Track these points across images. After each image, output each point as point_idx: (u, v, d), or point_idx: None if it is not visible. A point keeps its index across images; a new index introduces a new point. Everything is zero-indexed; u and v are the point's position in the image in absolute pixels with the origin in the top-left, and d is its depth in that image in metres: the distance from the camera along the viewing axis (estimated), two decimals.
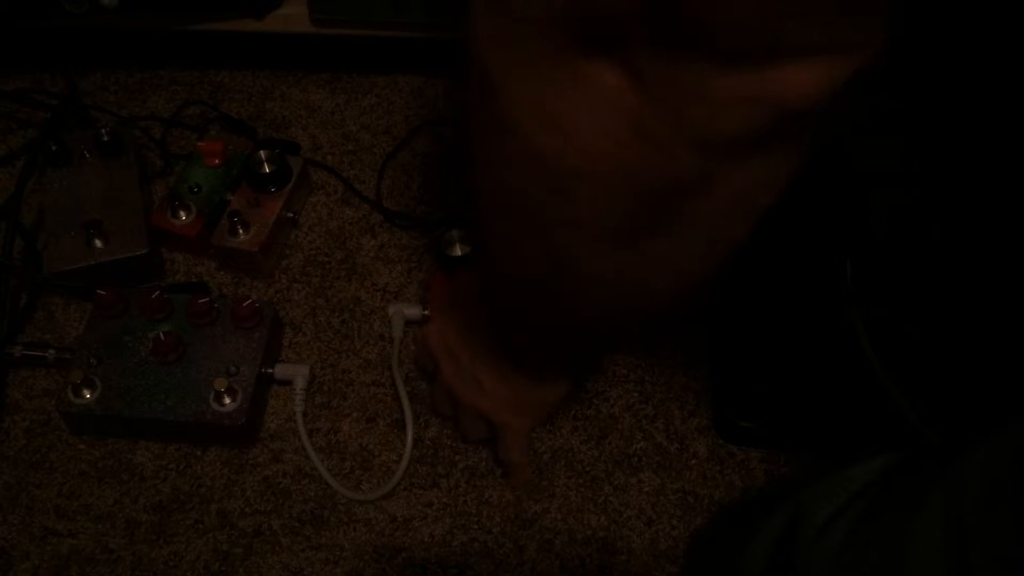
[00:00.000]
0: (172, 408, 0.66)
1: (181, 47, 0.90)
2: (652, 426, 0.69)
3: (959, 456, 0.40)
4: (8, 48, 0.89)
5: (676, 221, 0.39)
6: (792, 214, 0.72)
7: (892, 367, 0.65)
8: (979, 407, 0.62)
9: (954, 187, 0.66)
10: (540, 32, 0.34)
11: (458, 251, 0.73)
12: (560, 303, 0.49)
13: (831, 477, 0.46)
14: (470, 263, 0.72)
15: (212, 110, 0.86)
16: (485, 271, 0.57)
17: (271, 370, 0.69)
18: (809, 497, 0.45)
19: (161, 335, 0.67)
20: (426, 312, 0.72)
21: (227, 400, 0.66)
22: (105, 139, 0.77)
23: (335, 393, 0.71)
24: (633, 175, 0.36)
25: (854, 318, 0.67)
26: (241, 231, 0.74)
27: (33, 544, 0.64)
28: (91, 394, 0.66)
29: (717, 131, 0.33)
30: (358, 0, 0.79)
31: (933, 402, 0.64)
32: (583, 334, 0.56)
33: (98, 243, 0.73)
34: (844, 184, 0.73)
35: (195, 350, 0.68)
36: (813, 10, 0.29)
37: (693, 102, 0.32)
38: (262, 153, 0.77)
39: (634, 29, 0.31)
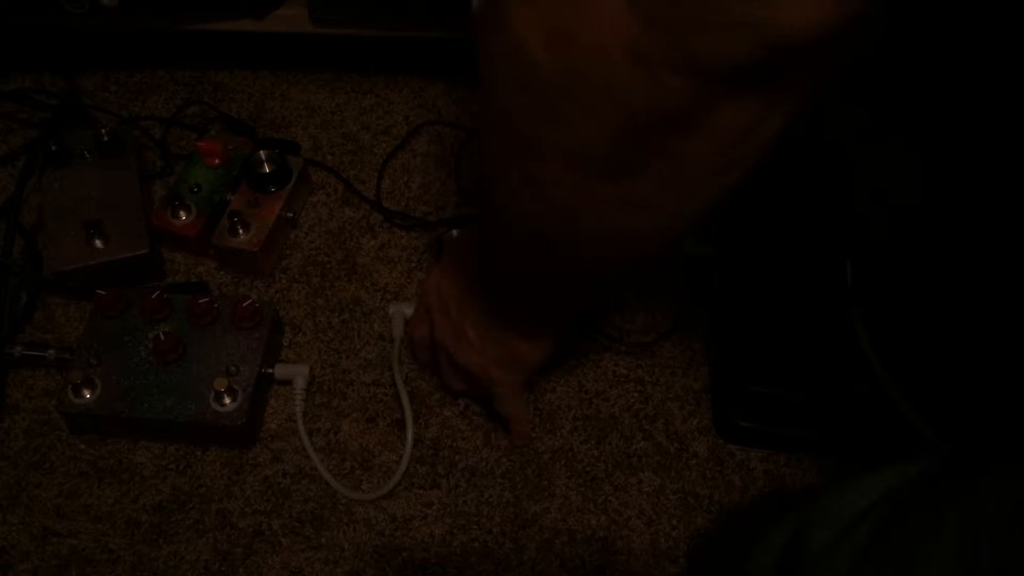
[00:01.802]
0: (172, 408, 0.66)
1: (181, 47, 0.90)
2: (652, 426, 0.69)
3: (975, 480, 0.40)
4: (8, 48, 0.89)
5: (663, 160, 0.39)
6: (792, 214, 0.72)
7: (892, 367, 0.65)
8: (979, 407, 0.62)
9: (954, 188, 0.66)
10: None
11: None
12: (545, 248, 0.50)
13: (837, 490, 0.46)
14: None
15: (212, 110, 0.86)
16: (480, 223, 0.58)
17: (271, 370, 0.69)
18: (815, 512, 0.45)
19: (161, 335, 0.67)
20: None
21: (227, 400, 0.66)
22: (105, 139, 0.77)
23: (335, 393, 0.71)
24: (623, 99, 0.37)
25: (854, 318, 0.67)
26: (241, 231, 0.74)
27: (33, 544, 0.64)
28: (91, 394, 0.66)
29: (711, 58, 0.34)
30: (358, 0, 0.79)
31: (933, 402, 0.64)
32: (570, 285, 0.57)
33: (98, 243, 0.73)
34: (844, 185, 0.73)
35: (195, 350, 0.68)
36: None
37: (690, 26, 0.33)
38: (262, 153, 0.77)
39: None
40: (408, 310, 0.72)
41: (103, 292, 0.69)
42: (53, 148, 0.77)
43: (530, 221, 0.47)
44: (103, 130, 0.77)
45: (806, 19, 0.32)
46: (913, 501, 0.42)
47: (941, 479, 0.42)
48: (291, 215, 0.78)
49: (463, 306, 0.62)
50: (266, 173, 0.76)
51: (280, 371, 0.69)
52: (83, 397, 0.66)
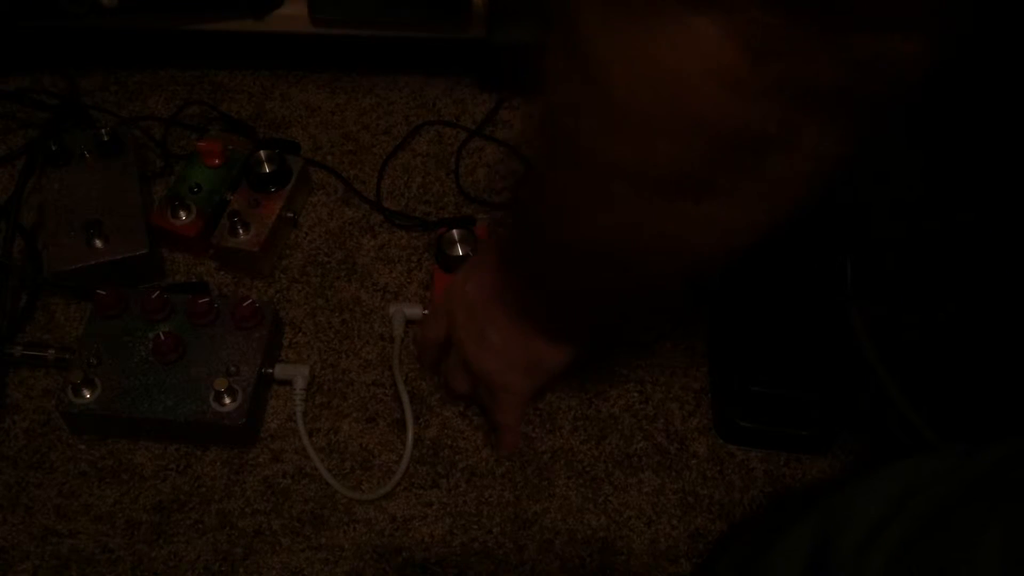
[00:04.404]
0: (172, 408, 0.66)
1: (181, 47, 0.90)
2: (652, 426, 0.69)
3: (1013, 475, 0.39)
4: (8, 48, 0.89)
5: (747, 180, 0.40)
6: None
7: (892, 367, 0.65)
8: (979, 406, 0.62)
9: (954, 186, 0.66)
10: None
11: (458, 251, 0.73)
12: (600, 264, 0.49)
13: (858, 488, 0.45)
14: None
15: (212, 110, 0.86)
16: (521, 238, 0.57)
17: (271, 370, 0.69)
18: (840, 511, 0.44)
19: (161, 335, 0.67)
20: (426, 312, 0.72)
21: (227, 400, 0.66)
22: (105, 139, 0.77)
23: (335, 393, 0.71)
24: (714, 125, 0.37)
25: (854, 318, 0.67)
26: (241, 231, 0.74)
27: (33, 544, 0.64)
28: (91, 394, 0.66)
29: (819, 87, 0.34)
30: (358, 0, 0.79)
31: (933, 402, 0.64)
32: (617, 297, 0.57)
33: (98, 243, 0.73)
34: (844, 185, 0.73)
35: (195, 350, 0.68)
36: None
37: (801, 58, 0.33)
38: (262, 153, 0.77)
39: None
40: (408, 310, 0.72)
41: (103, 292, 0.69)
42: (53, 148, 0.77)
43: (591, 239, 0.47)
44: (103, 130, 0.77)
45: (918, 52, 0.32)
46: (947, 499, 0.41)
47: (975, 476, 0.42)
48: (291, 215, 0.78)
49: (490, 310, 0.61)
50: (266, 173, 0.76)
51: (280, 371, 0.69)
52: (83, 397, 0.66)
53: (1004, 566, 0.36)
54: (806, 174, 0.40)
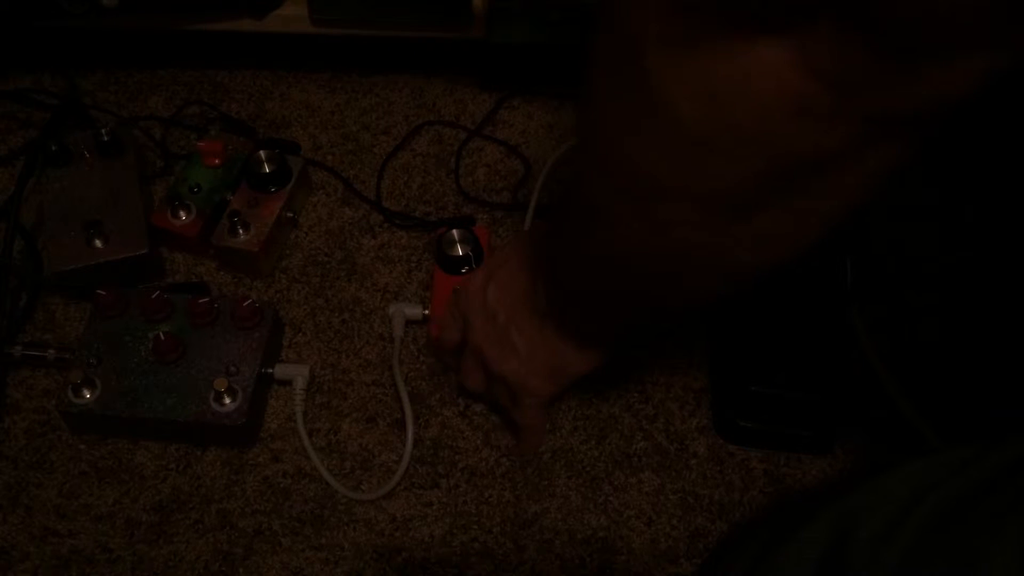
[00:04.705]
0: (172, 408, 0.66)
1: (181, 47, 0.90)
2: (652, 426, 0.69)
3: None
4: (8, 48, 0.89)
5: (803, 199, 0.40)
6: None
7: (892, 367, 0.65)
8: (979, 406, 0.62)
9: (954, 187, 0.66)
10: (718, 7, 0.34)
11: (458, 251, 0.73)
12: (643, 277, 0.50)
13: (871, 486, 0.45)
14: (470, 263, 0.72)
15: (212, 110, 0.86)
16: (561, 249, 0.57)
17: (271, 370, 0.69)
18: (853, 508, 0.44)
19: (161, 335, 0.67)
20: (426, 312, 0.72)
21: (227, 400, 0.66)
22: (105, 139, 0.77)
23: (335, 393, 0.71)
24: (776, 149, 0.37)
25: (854, 318, 0.67)
26: (241, 231, 0.74)
27: (33, 544, 0.64)
28: (91, 394, 0.66)
29: (886, 113, 0.35)
30: (357, 0, 0.79)
31: (933, 402, 0.64)
32: (650, 306, 0.57)
33: (98, 243, 0.73)
34: None
35: (195, 350, 0.68)
36: (1004, 9, 0.31)
37: (870, 87, 0.34)
38: (262, 153, 0.77)
39: (823, 13, 0.32)
40: (408, 310, 0.72)
41: (103, 292, 0.69)
42: (53, 148, 0.77)
43: (639, 255, 0.47)
44: (103, 130, 0.77)
45: (980, 74, 0.33)
46: (964, 495, 0.41)
47: (990, 474, 0.41)
48: (291, 215, 0.78)
49: (514, 314, 0.61)
50: (266, 173, 0.76)
51: (280, 371, 0.69)
52: (83, 397, 0.66)
53: (1022, 554, 0.36)
54: (861, 188, 0.40)
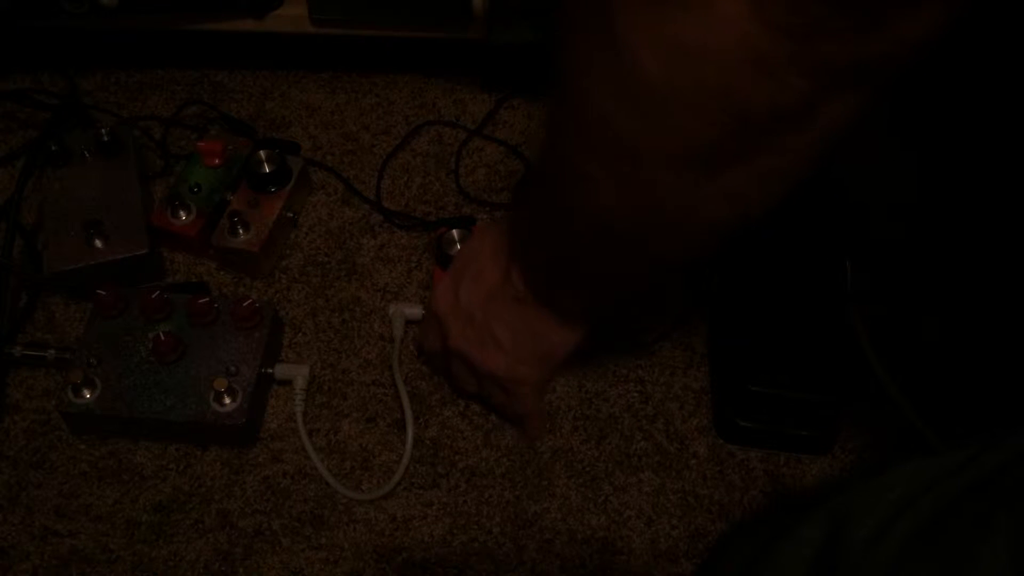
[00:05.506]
0: (172, 408, 0.66)
1: (181, 47, 0.90)
2: (652, 426, 0.69)
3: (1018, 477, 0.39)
4: (8, 48, 0.89)
5: (768, 154, 0.40)
6: (791, 214, 0.72)
7: (892, 367, 0.65)
8: (979, 406, 0.63)
9: (953, 187, 0.66)
10: None
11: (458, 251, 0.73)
12: (619, 242, 0.50)
13: (866, 486, 0.45)
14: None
15: (212, 110, 0.86)
16: (532, 220, 0.58)
17: (271, 370, 0.69)
18: (849, 508, 0.44)
19: (161, 335, 0.67)
20: (426, 312, 0.72)
21: (227, 400, 0.66)
22: (105, 139, 0.77)
23: (335, 393, 0.71)
24: (739, 103, 0.37)
25: (854, 318, 0.67)
26: (241, 231, 0.74)
27: (33, 544, 0.64)
28: (91, 394, 0.66)
29: (845, 62, 0.35)
30: (357, 0, 0.79)
31: (933, 402, 0.64)
32: (624, 272, 0.57)
33: (98, 243, 0.73)
34: (844, 185, 0.73)
35: (195, 350, 0.68)
36: None
37: (828, 34, 0.34)
38: (262, 153, 0.77)
39: None
40: (408, 310, 0.72)
41: (103, 292, 0.69)
42: (53, 148, 0.77)
43: (610, 217, 0.48)
44: (103, 130, 0.77)
45: (935, 21, 0.33)
46: (959, 494, 0.42)
47: (986, 472, 0.42)
48: (291, 215, 0.78)
49: (491, 308, 0.61)
50: (266, 173, 0.76)
51: (280, 371, 0.69)
52: (83, 397, 0.66)
53: (1013, 558, 0.36)
54: (820, 145, 0.40)
